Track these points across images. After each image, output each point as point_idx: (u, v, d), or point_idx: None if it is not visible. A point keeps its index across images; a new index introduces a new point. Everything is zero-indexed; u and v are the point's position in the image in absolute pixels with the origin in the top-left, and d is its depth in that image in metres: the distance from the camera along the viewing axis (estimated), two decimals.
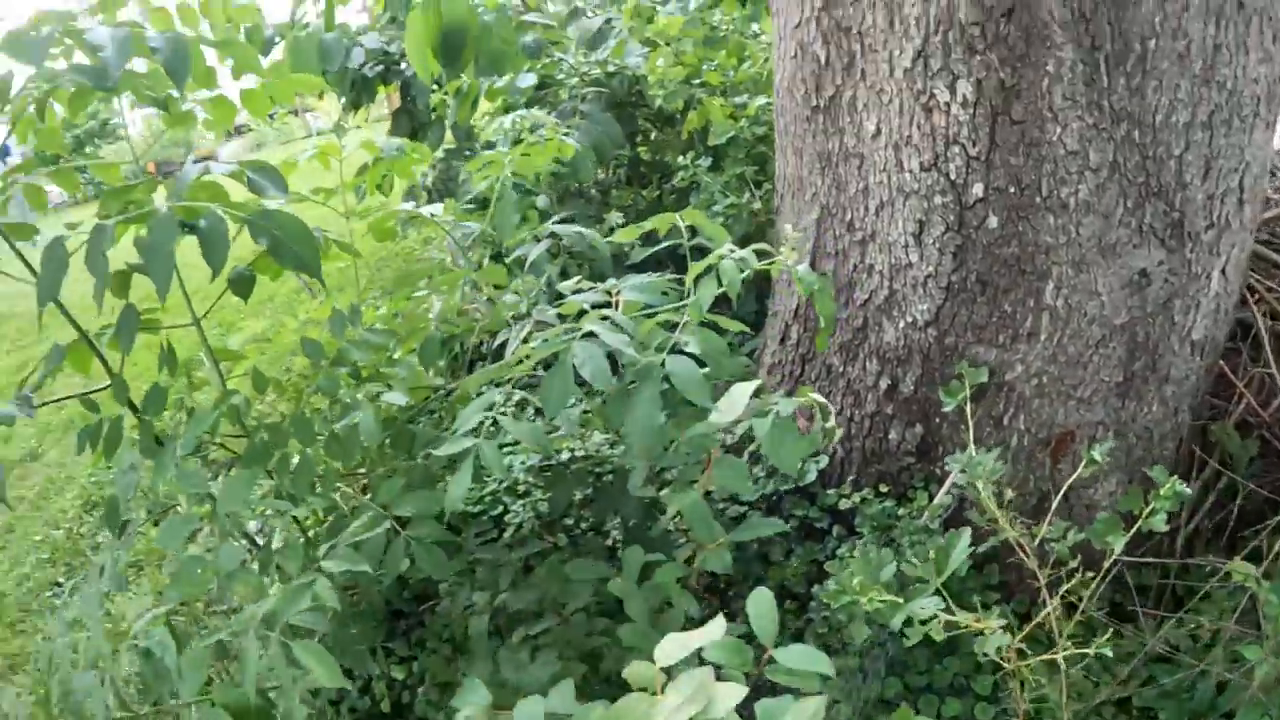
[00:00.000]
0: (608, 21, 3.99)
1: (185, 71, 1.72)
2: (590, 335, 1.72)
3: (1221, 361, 2.34)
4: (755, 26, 4.10)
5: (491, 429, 1.80)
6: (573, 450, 2.56)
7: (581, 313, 1.84)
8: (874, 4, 2.06)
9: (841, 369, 2.42)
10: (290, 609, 1.67)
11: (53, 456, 5.50)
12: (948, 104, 2.01)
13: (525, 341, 2.14)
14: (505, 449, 2.53)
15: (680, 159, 3.34)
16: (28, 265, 1.89)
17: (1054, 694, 1.82)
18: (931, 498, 2.26)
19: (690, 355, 1.73)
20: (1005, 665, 1.70)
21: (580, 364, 1.67)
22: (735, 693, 1.11)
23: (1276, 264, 2.62)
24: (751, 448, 2.24)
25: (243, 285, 2.08)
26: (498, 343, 2.41)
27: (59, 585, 4.26)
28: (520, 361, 1.93)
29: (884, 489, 2.35)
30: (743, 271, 1.80)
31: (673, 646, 1.20)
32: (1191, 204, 2.05)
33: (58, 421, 5.83)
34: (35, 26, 1.80)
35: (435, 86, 3.85)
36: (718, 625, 1.24)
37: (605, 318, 1.79)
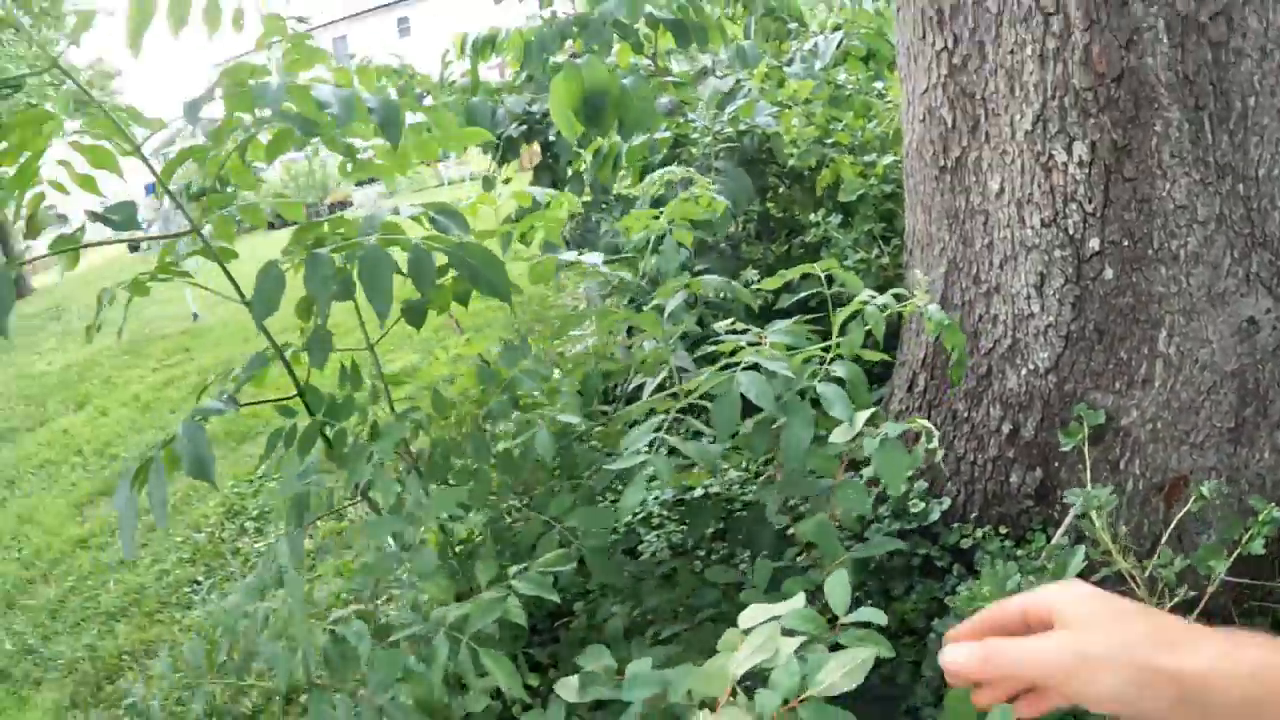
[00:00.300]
0: (738, 82, 4.35)
1: (398, 130, 2.11)
2: (753, 366, 2.03)
3: None
4: (879, 85, 4.41)
5: (658, 449, 2.09)
6: (706, 486, 2.84)
7: (737, 348, 2.14)
8: (996, 71, 2.33)
9: (966, 414, 2.64)
10: (483, 620, 1.92)
11: None
12: (1065, 164, 2.27)
13: (662, 384, 2.48)
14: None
15: (812, 216, 3.57)
16: (235, 286, 2.23)
17: None
18: (1049, 540, 2.42)
19: (837, 380, 2.03)
20: None
21: (746, 389, 1.97)
22: (793, 643, 1.36)
23: None
24: (877, 491, 2.53)
25: (415, 315, 2.40)
26: (633, 384, 2.77)
27: (198, 583, 4.70)
28: (682, 393, 2.24)
29: (1003, 530, 2.53)
30: (884, 311, 2.12)
31: (755, 613, 1.44)
32: None
33: None
34: (248, 78, 2.18)
35: (578, 151, 4.25)
36: (799, 598, 1.49)
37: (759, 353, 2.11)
